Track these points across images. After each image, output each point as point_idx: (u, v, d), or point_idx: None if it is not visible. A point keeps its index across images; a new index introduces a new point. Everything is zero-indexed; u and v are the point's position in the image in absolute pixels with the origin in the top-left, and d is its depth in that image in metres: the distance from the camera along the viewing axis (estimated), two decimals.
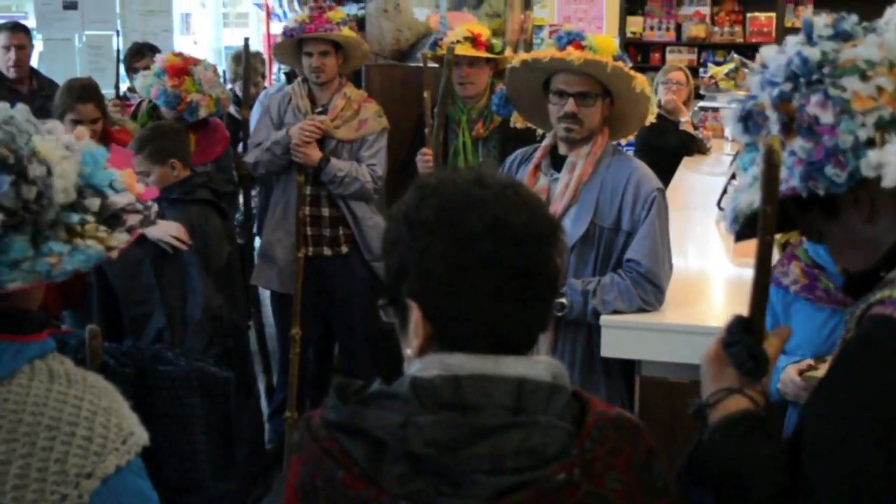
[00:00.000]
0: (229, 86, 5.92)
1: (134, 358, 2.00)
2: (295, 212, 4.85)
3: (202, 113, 4.90)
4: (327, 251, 4.92)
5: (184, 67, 4.92)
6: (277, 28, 8.89)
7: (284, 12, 8.82)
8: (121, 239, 1.50)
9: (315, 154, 4.74)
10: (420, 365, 1.38)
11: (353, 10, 7.90)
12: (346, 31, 4.76)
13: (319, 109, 4.85)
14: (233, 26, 14.23)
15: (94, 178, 1.49)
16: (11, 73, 5.53)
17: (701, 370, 1.59)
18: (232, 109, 5.97)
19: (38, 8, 6.58)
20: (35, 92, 5.64)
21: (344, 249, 4.93)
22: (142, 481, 1.48)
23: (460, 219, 1.35)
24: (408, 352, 1.42)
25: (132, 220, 1.51)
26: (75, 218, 1.46)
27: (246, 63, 5.28)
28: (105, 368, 1.87)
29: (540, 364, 1.38)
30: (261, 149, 4.88)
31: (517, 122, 3.63)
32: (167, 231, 3.87)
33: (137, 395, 2.04)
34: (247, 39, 5.24)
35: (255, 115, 5.72)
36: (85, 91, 4.50)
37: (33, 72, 5.77)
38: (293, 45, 4.86)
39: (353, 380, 1.41)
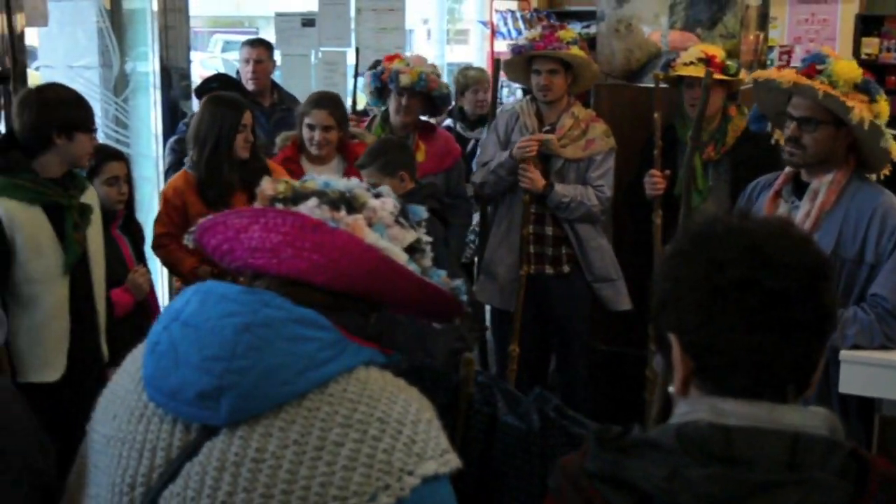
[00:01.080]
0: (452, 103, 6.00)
1: (491, 402, 2.04)
2: (519, 229, 4.87)
3: (403, 81, 4.96)
4: (549, 270, 4.92)
5: (398, 55, 5.20)
6: (501, 46, 9.00)
7: (509, 30, 8.91)
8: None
9: (539, 181, 4.75)
10: (686, 408, 1.35)
11: (576, 27, 7.93)
12: (576, 51, 4.75)
13: (547, 128, 4.85)
14: (453, 43, 14.49)
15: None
16: (250, 86, 5.76)
17: None
18: (459, 127, 6.06)
19: (278, 25, 6.87)
20: (275, 105, 5.87)
21: (566, 269, 4.91)
22: (453, 498, 1.50)
23: (715, 246, 1.34)
24: (670, 389, 1.40)
25: None
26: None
27: (494, 82, 5.33)
28: (470, 400, 1.94)
29: (817, 415, 1.33)
30: (486, 169, 4.93)
31: (779, 136, 3.48)
32: None
33: (484, 440, 2.07)
34: (498, 60, 5.28)
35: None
36: (323, 99, 4.80)
37: (275, 86, 6.00)
38: (523, 63, 4.89)
39: (612, 426, 1.40)
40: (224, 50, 16.39)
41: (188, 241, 1.66)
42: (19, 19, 5.04)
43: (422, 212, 1.71)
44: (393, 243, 1.59)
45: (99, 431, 1.58)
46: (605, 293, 4.90)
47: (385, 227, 1.60)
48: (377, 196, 1.65)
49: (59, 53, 6.24)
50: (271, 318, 1.46)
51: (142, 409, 1.52)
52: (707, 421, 1.31)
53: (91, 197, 3.65)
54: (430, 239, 1.69)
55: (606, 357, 5.32)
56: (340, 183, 1.65)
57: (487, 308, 5.27)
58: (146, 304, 4.24)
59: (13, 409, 1.73)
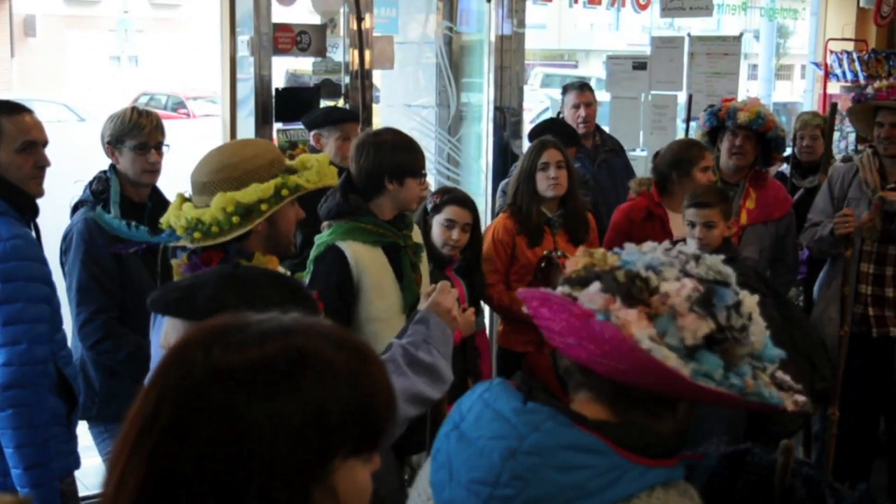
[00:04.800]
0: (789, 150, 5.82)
1: (818, 497, 1.93)
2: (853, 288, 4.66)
3: (741, 118, 4.84)
4: (894, 331, 4.69)
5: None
6: (834, 87, 8.62)
7: (844, 72, 8.55)
8: (791, 399, 1.55)
9: (862, 220, 4.51)
10: None
11: None
12: None
13: (891, 186, 4.59)
14: (775, 79, 14.08)
15: (768, 353, 1.57)
16: (581, 129, 5.81)
17: None
18: (792, 175, 5.89)
19: (609, 67, 6.95)
20: (598, 147, 5.91)
21: (893, 331, 4.67)
22: None
23: None
24: None
25: (795, 397, 1.56)
26: (756, 364, 1.54)
27: (829, 128, 5.17)
28: (788, 494, 1.86)
29: None
30: (810, 235, 4.75)
31: None
32: None
33: None
34: (833, 104, 5.10)
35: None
36: (699, 146, 4.76)
37: (597, 128, 6.05)
38: (867, 111, 4.68)
39: None
40: (543, 84, 16.41)
41: (525, 309, 1.66)
42: (367, 59, 5.33)
43: (730, 296, 1.53)
44: (682, 334, 1.46)
45: None
46: None
47: (676, 315, 1.47)
48: (685, 275, 1.53)
49: (399, 93, 6.57)
50: (540, 446, 1.44)
51: None
52: None
53: (417, 235, 3.76)
54: (742, 324, 1.51)
55: None
56: (645, 259, 1.55)
57: None
58: (471, 342, 4.32)
59: (385, 459, 1.82)
